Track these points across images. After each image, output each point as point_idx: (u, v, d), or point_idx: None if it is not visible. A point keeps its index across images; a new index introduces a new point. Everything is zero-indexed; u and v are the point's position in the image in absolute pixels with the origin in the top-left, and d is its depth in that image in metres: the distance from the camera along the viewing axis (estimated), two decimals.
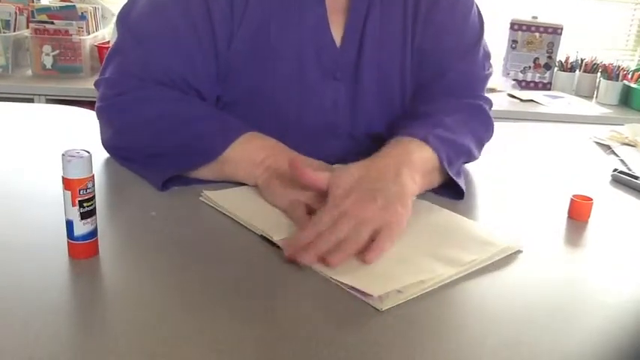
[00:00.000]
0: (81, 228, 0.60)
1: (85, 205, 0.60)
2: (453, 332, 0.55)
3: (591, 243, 0.76)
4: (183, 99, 0.84)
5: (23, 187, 0.79)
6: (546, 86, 2.61)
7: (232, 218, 0.73)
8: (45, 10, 2.21)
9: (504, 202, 0.87)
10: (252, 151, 0.80)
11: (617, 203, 0.91)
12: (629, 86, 2.47)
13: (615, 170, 1.00)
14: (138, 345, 0.49)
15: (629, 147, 1.19)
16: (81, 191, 0.59)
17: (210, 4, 0.84)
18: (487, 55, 0.99)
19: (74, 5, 2.23)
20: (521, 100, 2.39)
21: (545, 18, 2.59)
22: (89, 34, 2.21)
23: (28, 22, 2.22)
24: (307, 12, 0.88)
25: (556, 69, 2.60)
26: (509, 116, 2.20)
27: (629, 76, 2.48)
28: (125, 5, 0.89)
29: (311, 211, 0.71)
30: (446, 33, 0.94)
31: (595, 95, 2.56)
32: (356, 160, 0.74)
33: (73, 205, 0.59)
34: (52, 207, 0.68)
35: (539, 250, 0.72)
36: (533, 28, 2.57)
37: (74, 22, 2.16)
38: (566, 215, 0.81)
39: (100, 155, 0.88)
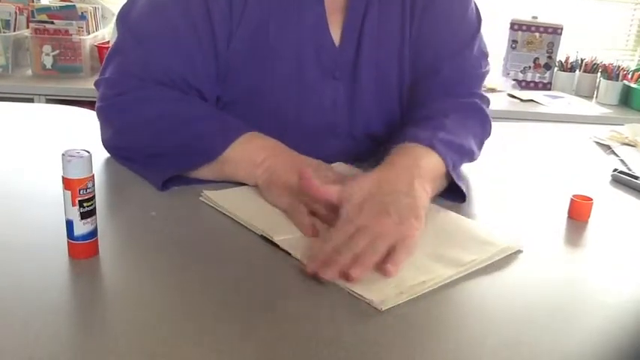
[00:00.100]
0: (81, 228, 0.60)
1: (85, 205, 0.60)
2: (452, 332, 0.55)
3: (591, 243, 0.76)
4: (183, 99, 0.84)
5: (23, 187, 0.79)
6: (546, 86, 2.61)
7: (232, 218, 0.73)
8: (45, 10, 2.21)
9: (504, 202, 0.87)
10: (252, 151, 0.80)
11: (617, 203, 0.91)
12: (629, 86, 2.46)
13: (615, 170, 1.00)
14: (138, 345, 0.49)
15: (629, 147, 1.19)
16: (81, 191, 0.59)
17: (210, 4, 0.84)
18: (484, 53, 0.99)
19: (74, 5, 2.23)
20: (522, 100, 2.39)
21: (545, 18, 2.59)
22: (89, 34, 2.21)
23: (28, 22, 2.22)
24: (306, 11, 0.88)
25: (556, 69, 2.60)
26: (509, 116, 2.20)
27: (629, 76, 2.48)
28: (125, 5, 0.89)
29: (311, 212, 0.71)
30: (441, 29, 0.94)
31: (595, 95, 2.56)
32: (355, 160, 0.74)
33: (73, 205, 0.59)
34: (52, 207, 0.68)
35: (539, 250, 0.72)
36: (533, 28, 2.57)
37: (74, 22, 2.16)
38: (566, 215, 0.81)
39: (100, 155, 0.88)
